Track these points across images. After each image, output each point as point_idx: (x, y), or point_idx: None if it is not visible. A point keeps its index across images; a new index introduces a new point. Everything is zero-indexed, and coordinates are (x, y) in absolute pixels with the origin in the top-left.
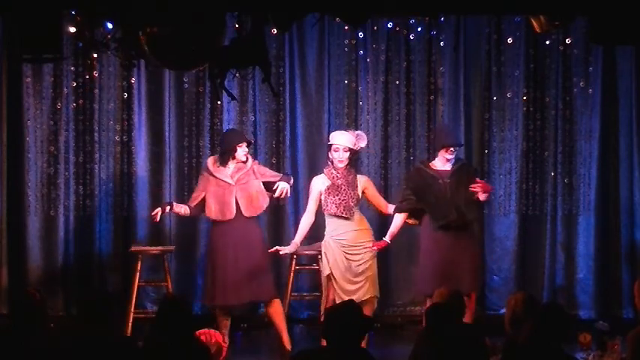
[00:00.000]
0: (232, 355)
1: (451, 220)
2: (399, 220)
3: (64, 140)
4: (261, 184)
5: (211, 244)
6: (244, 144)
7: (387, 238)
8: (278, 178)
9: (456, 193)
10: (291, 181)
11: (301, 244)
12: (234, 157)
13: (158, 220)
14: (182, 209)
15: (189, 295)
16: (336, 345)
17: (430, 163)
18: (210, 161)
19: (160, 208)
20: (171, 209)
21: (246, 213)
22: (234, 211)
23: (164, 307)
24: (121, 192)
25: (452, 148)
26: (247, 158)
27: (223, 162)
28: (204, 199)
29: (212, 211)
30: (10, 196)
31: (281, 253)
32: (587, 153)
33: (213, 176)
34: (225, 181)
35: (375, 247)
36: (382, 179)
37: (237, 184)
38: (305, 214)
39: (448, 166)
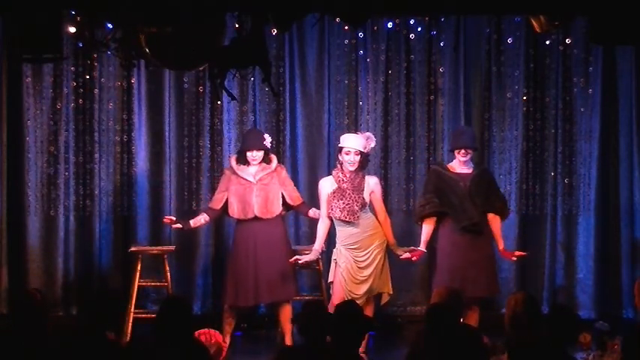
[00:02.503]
0: (232, 355)
1: (475, 222)
2: (429, 227)
3: (64, 140)
4: (281, 191)
5: (234, 244)
6: (254, 151)
7: (422, 247)
8: (297, 202)
9: (476, 197)
10: (315, 213)
11: (322, 250)
12: (247, 160)
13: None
14: (202, 219)
15: (189, 295)
16: (337, 345)
17: (448, 166)
18: (233, 159)
19: (173, 218)
20: (187, 228)
21: (258, 213)
22: (256, 210)
23: (164, 307)
24: (121, 192)
25: (463, 150)
26: (273, 160)
27: (241, 162)
28: (227, 199)
29: (234, 210)
30: (10, 196)
31: (300, 262)
32: (587, 153)
33: (236, 174)
34: (246, 179)
35: (414, 258)
36: (382, 179)
37: (259, 183)
38: (320, 219)
39: (466, 169)
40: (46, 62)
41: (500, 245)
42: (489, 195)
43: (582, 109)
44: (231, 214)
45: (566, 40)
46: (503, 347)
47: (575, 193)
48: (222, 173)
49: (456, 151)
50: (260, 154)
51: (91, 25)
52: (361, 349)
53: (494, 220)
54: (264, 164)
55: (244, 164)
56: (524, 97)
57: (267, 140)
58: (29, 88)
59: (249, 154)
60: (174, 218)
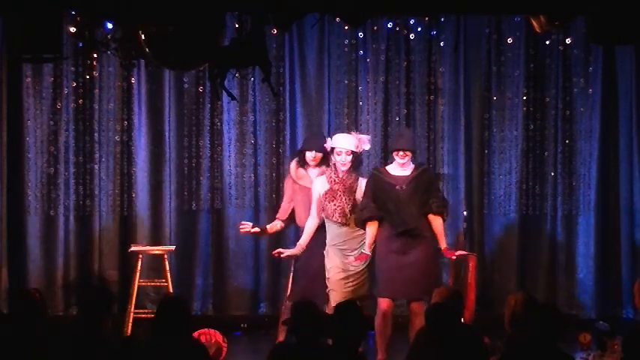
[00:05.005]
0: (232, 355)
1: (411, 227)
2: (372, 229)
3: (64, 140)
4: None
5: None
6: (313, 152)
7: (366, 251)
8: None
9: (413, 200)
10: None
11: (306, 246)
12: (306, 161)
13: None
14: (278, 225)
15: (188, 295)
16: (337, 345)
17: (386, 169)
18: (292, 166)
19: (250, 224)
20: (266, 234)
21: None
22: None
23: (162, 307)
24: (121, 192)
25: (401, 152)
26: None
27: (301, 164)
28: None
29: (301, 219)
30: (10, 196)
31: (283, 256)
32: (587, 153)
33: (297, 184)
34: (308, 187)
35: (357, 261)
36: None
37: None
38: (310, 216)
39: (405, 171)
40: (46, 62)
41: (442, 245)
42: (427, 197)
43: (582, 109)
44: (298, 224)
45: (566, 40)
46: (503, 347)
47: (575, 193)
48: (286, 179)
49: (394, 153)
50: (319, 155)
51: (91, 25)
52: (360, 349)
53: (434, 220)
54: (324, 169)
55: (302, 167)
56: (524, 97)
57: (329, 143)
58: (29, 88)
59: (308, 154)
60: (250, 223)
